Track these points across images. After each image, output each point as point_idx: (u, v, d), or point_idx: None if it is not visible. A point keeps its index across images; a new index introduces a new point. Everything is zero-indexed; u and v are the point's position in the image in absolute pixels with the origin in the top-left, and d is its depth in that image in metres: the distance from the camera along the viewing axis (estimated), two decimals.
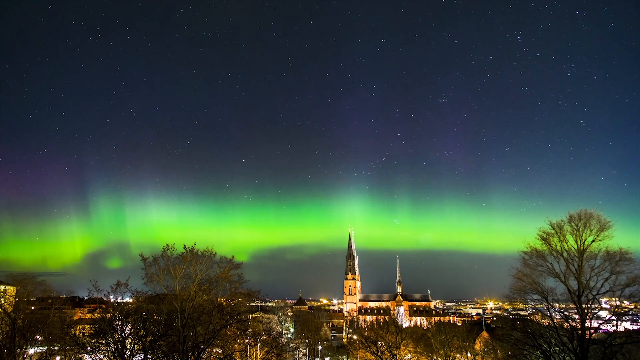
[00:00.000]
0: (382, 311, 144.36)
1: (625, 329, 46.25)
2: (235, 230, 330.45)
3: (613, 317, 33.43)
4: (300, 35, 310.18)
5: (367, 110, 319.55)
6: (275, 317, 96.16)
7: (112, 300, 39.64)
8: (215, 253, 35.83)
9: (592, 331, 31.34)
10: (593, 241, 30.23)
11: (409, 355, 60.92)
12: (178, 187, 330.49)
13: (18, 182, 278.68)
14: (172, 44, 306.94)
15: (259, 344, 48.26)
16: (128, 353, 30.72)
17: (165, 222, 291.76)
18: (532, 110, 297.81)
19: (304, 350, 75.08)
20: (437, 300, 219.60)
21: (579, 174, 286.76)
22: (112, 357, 30.20)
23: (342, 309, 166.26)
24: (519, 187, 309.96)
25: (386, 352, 55.71)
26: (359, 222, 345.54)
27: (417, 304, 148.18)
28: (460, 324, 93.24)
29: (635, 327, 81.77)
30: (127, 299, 40.58)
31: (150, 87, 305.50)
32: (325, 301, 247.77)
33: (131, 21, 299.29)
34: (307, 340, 74.80)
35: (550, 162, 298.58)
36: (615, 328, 36.87)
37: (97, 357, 30.87)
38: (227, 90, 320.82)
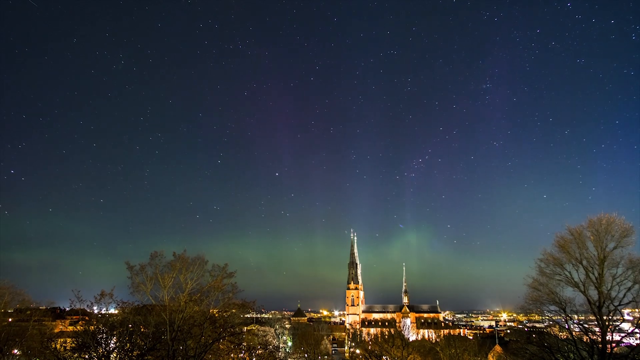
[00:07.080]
0: (387, 323, 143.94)
1: None
2: (281, 247, 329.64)
3: (636, 330, 33.40)
4: (324, 35, 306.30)
5: (403, 106, 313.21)
6: (272, 330, 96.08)
7: (95, 311, 39.54)
8: (207, 261, 35.81)
9: (614, 345, 31.23)
10: (615, 248, 30.18)
11: None
12: (212, 209, 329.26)
13: (57, 219, 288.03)
14: (194, 60, 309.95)
15: (254, 359, 48.12)
16: None
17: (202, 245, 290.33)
18: (592, 85, 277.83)
19: None
20: (447, 312, 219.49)
21: None
22: None
23: (343, 321, 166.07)
24: (584, 173, 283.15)
25: None
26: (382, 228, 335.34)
27: (425, 315, 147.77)
28: (471, 337, 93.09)
29: None
30: (112, 310, 40.50)
31: (175, 109, 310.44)
32: (325, 312, 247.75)
33: (151, 44, 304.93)
34: (306, 355, 74.68)
35: (621, 141, 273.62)
36: (638, 342, 36.80)
37: None
38: (253, 103, 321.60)
